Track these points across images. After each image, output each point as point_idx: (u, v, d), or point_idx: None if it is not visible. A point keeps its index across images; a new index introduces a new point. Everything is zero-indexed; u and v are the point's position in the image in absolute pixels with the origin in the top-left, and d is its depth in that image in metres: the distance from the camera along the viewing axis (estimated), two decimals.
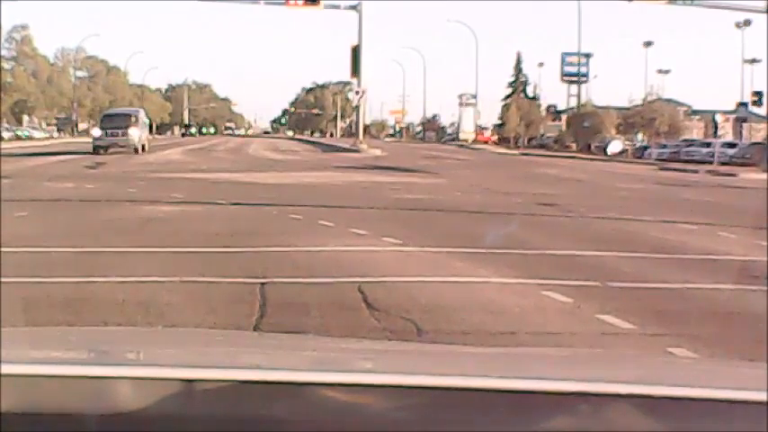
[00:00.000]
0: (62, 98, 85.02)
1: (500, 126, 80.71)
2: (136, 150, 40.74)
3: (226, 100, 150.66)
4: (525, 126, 72.51)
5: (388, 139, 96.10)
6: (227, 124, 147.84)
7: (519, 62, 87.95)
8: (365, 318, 6.40)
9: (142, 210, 14.39)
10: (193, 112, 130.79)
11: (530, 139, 71.87)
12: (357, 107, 58.24)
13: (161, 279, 7.76)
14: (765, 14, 36.30)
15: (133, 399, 1.35)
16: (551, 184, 23.83)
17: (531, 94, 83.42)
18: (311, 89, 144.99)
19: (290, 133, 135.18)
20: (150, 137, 52.86)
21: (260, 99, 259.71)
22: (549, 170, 31.92)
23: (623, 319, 6.34)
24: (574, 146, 61.51)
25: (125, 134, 41.18)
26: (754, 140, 48.77)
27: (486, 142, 79.49)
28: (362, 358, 2.00)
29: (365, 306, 6.74)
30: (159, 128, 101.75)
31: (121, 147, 40.46)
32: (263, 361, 1.84)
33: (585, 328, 6.25)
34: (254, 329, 5.98)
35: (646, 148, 52.01)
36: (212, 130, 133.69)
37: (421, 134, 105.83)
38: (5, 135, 63.71)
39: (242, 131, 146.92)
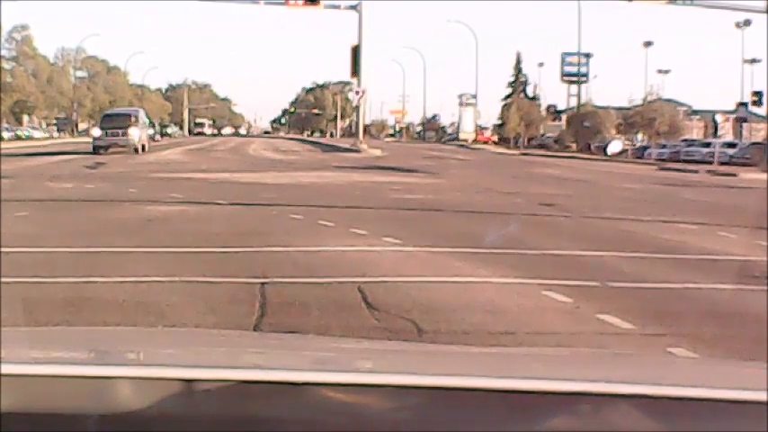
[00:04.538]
0: (62, 98, 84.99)
1: (500, 126, 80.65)
2: (136, 150, 40.74)
3: (226, 100, 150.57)
4: (525, 126, 72.43)
5: (388, 139, 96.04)
6: (198, 120, 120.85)
7: (519, 62, 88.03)
8: (365, 318, 6.40)
9: (142, 210, 14.39)
10: (193, 112, 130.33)
11: (530, 139, 71.82)
12: (357, 107, 58.25)
13: (161, 279, 7.75)
14: (765, 14, 36.29)
15: (133, 399, 1.35)
16: (551, 184, 23.83)
17: (531, 94, 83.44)
18: (311, 89, 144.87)
19: (282, 133, 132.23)
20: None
21: (260, 99, 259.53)
22: (549, 170, 31.91)
23: (623, 319, 6.33)
24: (574, 146, 61.47)
25: (125, 134, 41.18)
26: (754, 140, 48.75)
27: (486, 142, 79.47)
28: (362, 358, 2.00)
29: (365, 306, 6.74)
30: (161, 126, 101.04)
31: (121, 147, 40.47)
32: (263, 361, 1.84)
33: (585, 328, 6.25)
34: (254, 329, 5.98)
35: (646, 148, 51.98)
36: (170, 129, 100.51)
37: (421, 134, 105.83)
38: (5, 135, 63.77)
39: (228, 131, 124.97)
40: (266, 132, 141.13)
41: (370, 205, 15.70)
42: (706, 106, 76.80)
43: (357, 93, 52.09)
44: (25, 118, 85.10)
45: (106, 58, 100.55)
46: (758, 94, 54.28)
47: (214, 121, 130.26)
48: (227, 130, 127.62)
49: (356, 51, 48.83)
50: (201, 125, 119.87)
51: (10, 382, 1.35)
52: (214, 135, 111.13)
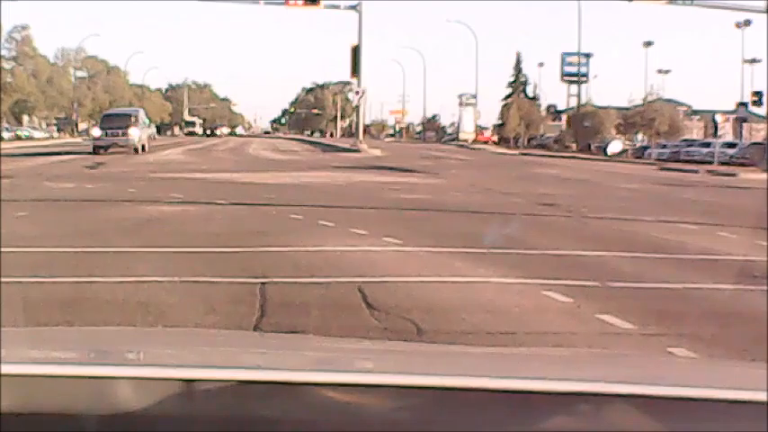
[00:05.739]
0: (62, 98, 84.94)
1: (500, 126, 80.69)
2: (136, 150, 40.72)
3: (226, 100, 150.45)
4: (525, 126, 72.52)
5: (387, 139, 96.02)
6: (188, 119, 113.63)
7: (519, 62, 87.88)
8: (365, 318, 6.40)
9: (142, 210, 14.38)
10: (193, 112, 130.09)
11: (530, 139, 71.86)
12: (357, 107, 58.22)
13: (161, 279, 7.75)
14: (765, 14, 36.29)
15: (133, 399, 1.35)
16: (551, 184, 23.82)
17: (531, 94, 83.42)
18: (311, 89, 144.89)
19: (282, 133, 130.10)
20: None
21: (260, 99, 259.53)
22: (549, 170, 31.89)
23: (623, 319, 6.33)
24: (574, 146, 61.52)
25: (125, 134, 41.16)
26: (754, 140, 48.76)
27: (486, 142, 79.47)
28: (362, 358, 2.00)
29: (365, 306, 6.74)
30: (159, 128, 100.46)
31: (121, 147, 40.45)
32: (263, 361, 1.84)
33: (585, 328, 6.25)
34: (254, 329, 5.98)
35: (646, 148, 52.01)
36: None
37: (421, 134, 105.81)
38: (5, 135, 63.79)
39: (225, 131, 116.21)
40: (266, 132, 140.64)
41: (370, 205, 15.70)
42: (706, 106, 76.81)
43: (357, 93, 52.08)
44: (25, 118, 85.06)
45: (106, 58, 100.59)
46: (758, 94, 54.21)
47: (204, 120, 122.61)
48: (225, 130, 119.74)
49: (356, 51, 48.84)
50: (192, 124, 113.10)
51: (10, 382, 1.35)
52: (207, 135, 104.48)
